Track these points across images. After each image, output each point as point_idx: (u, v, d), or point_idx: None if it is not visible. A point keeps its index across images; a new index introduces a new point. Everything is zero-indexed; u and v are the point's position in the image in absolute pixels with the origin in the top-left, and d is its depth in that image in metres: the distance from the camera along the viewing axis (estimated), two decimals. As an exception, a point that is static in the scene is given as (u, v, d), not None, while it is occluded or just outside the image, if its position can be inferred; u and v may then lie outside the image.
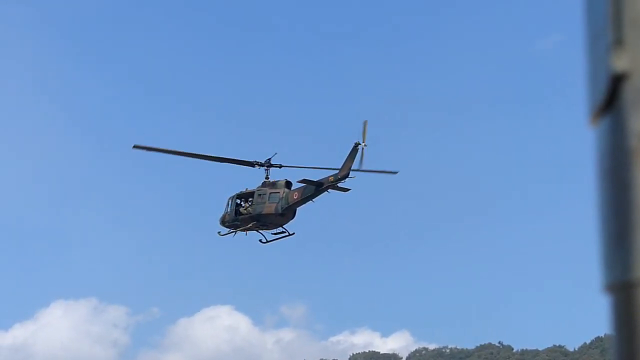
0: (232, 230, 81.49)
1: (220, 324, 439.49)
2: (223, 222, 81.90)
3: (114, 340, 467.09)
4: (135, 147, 77.10)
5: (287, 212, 79.49)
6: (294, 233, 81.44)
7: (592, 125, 2.16)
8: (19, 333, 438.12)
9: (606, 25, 2.01)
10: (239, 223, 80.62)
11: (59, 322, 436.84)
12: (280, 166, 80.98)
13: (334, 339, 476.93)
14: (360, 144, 74.81)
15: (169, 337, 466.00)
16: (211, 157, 79.73)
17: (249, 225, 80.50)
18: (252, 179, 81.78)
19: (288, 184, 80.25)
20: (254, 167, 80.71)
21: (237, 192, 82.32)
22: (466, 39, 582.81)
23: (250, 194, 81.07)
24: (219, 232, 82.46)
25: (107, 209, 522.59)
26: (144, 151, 78.43)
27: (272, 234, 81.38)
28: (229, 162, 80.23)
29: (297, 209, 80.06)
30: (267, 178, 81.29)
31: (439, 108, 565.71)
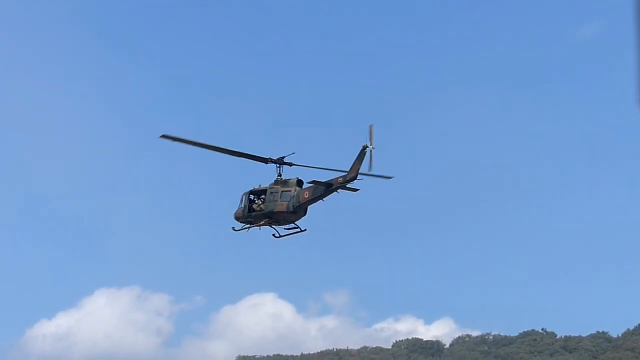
0: (246, 226, 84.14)
1: (264, 311, 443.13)
2: (237, 217, 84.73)
3: (157, 328, 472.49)
4: (162, 136, 78.88)
5: (299, 210, 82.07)
6: (305, 229, 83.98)
7: None
8: (62, 321, 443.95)
9: None
10: (252, 219, 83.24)
11: (103, 311, 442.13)
12: (291, 164, 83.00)
13: (377, 326, 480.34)
14: (368, 146, 76.84)
15: (213, 325, 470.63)
16: (230, 150, 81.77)
17: (261, 222, 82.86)
18: (264, 174, 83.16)
19: (299, 183, 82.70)
20: (267, 163, 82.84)
21: (250, 188, 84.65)
22: (507, 27, 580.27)
23: (263, 191, 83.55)
24: (233, 228, 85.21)
25: (150, 198, 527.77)
26: (171, 141, 79.74)
27: (285, 229, 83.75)
28: (245, 157, 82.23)
29: (309, 207, 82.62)
30: (279, 175, 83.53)
31: (477, 95, 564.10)
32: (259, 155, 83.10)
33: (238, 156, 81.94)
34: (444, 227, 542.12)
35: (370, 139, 77.13)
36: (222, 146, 79.89)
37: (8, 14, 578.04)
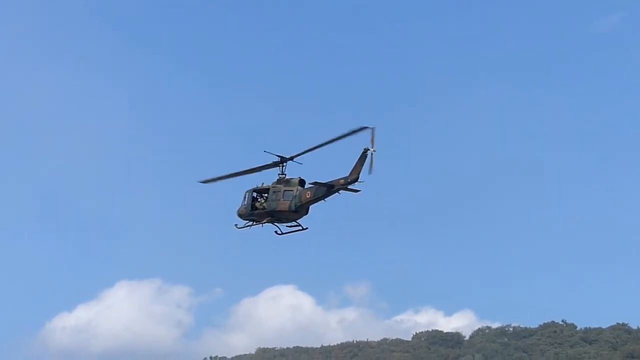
0: (248, 224, 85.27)
1: (283, 303, 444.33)
2: (240, 215, 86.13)
3: (177, 320, 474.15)
4: (202, 182, 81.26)
5: (300, 209, 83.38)
6: (307, 228, 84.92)
7: None
8: (82, 314, 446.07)
9: None
10: (255, 217, 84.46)
11: (123, 303, 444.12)
12: (292, 158, 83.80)
13: (397, 317, 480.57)
14: (369, 149, 77.79)
15: (233, 317, 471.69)
16: (254, 169, 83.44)
17: (264, 220, 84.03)
18: (267, 172, 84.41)
19: (302, 182, 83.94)
20: (277, 166, 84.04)
21: (254, 186, 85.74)
22: (523, 21, 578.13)
23: (266, 190, 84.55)
24: (236, 225, 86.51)
25: (171, 192, 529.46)
26: (211, 183, 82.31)
27: (287, 226, 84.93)
28: (259, 170, 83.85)
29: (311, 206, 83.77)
30: (282, 174, 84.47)
31: (492, 87, 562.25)
32: (269, 162, 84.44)
33: (255, 172, 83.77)
34: (465, 219, 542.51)
35: (372, 142, 78.02)
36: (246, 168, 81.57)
37: (37, 13, 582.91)
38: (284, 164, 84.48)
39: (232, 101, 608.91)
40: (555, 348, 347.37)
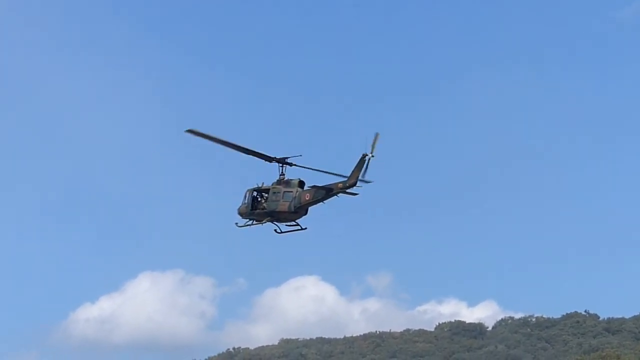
0: (248, 222, 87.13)
1: (306, 294, 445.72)
2: (241, 213, 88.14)
3: (200, 311, 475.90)
4: (187, 131, 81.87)
5: (300, 210, 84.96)
6: (306, 228, 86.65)
7: None
8: (106, 305, 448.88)
9: None
10: (255, 217, 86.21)
11: (146, 294, 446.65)
12: (292, 164, 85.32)
13: (420, 308, 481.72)
14: (367, 155, 79.03)
15: (256, 308, 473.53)
16: (241, 147, 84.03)
17: (264, 220, 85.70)
18: (268, 172, 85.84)
19: (301, 184, 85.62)
20: (271, 162, 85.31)
21: (254, 186, 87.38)
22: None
23: (266, 190, 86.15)
24: (236, 224, 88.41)
25: (193, 182, 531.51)
26: (195, 135, 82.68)
27: (286, 225, 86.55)
28: (252, 154, 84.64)
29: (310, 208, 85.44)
30: (282, 175, 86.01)
31: (512, 73, 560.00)
32: (265, 153, 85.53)
33: (246, 153, 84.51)
34: (488, 209, 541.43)
35: (373, 147, 79.23)
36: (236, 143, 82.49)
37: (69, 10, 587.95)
38: (284, 165, 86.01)
39: (258, 93, 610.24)
40: (578, 338, 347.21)
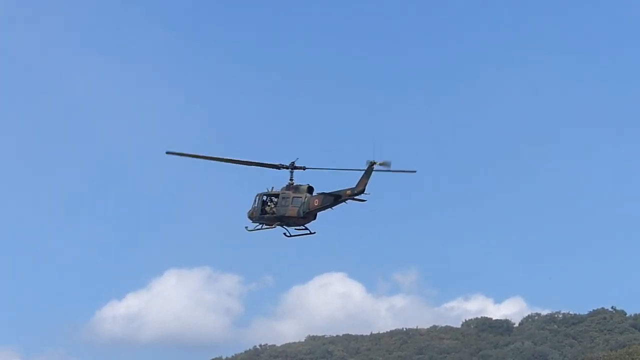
0: (258, 227, 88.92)
1: (333, 291, 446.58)
2: (250, 217, 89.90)
3: (227, 308, 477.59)
4: (168, 153, 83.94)
5: (308, 215, 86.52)
6: (315, 232, 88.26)
7: None
8: (132, 303, 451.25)
9: None
10: (264, 221, 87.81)
11: (173, 291, 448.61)
12: (304, 168, 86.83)
13: (447, 305, 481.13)
14: (375, 162, 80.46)
15: (282, 305, 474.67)
16: (239, 161, 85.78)
17: (274, 224, 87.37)
18: (277, 177, 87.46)
19: (310, 190, 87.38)
20: (279, 169, 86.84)
21: (264, 190, 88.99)
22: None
23: (275, 195, 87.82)
24: (246, 227, 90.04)
25: (221, 179, 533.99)
26: (177, 156, 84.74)
27: (295, 229, 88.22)
28: (256, 165, 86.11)
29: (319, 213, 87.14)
30: (291, 180, 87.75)
31: (546, 61, 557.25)
32: (270, 162, 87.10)
33: (248, 165, 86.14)
34: (515, 206, 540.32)
35: (383, 162, 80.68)
36: (233, 158, 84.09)
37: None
38: (293, 170, 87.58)
39: (288, 90, 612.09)
40: (605, 335, 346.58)
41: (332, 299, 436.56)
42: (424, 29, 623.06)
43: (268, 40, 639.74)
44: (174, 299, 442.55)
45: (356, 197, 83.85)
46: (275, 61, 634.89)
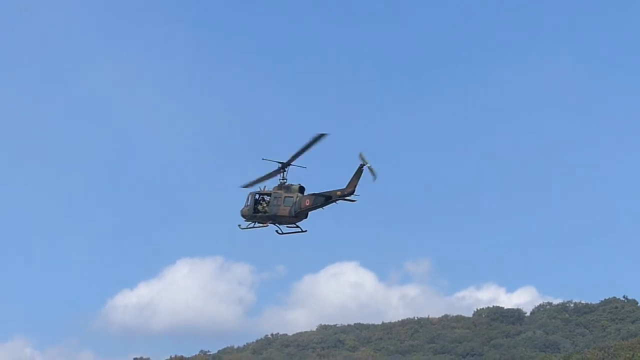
0: (251, 225, 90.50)
1: (345, 280, 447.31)
2: (243, 215, 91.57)
3: (239, 298, 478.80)
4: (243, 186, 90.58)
5: (300, 215, 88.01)
6: (306, 230, 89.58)
7: None
8: (144, 292, 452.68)
9: None
10: (257, 220, 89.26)
11: (185, 281, 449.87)
12: (289, 164, 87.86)
13: (459, 294, 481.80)
14: (365, 164, 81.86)
15: (294, 294, 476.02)
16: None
17: (266, 223, 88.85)
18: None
19: (301, 189, 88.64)
20: (280, 172, 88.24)
21: (257, 190, 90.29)
22: None
23: (268, 194, 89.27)
24: (239, 225, 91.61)
25: (234, 167, 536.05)
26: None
27: (287, 227, 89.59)
28: (267, 179, 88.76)
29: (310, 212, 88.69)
30: (284, 179, 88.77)
31: (561, 54, 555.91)
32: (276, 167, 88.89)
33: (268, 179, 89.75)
34: (527, 195, 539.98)
35: (372, 170, 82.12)
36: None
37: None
38: (285, 169, 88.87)
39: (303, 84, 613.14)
40: (617, 324, 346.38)
41: (344, 288, 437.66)
42: (424, 29, 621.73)
43: (263, 38, 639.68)
44: (186, 288, 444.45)
45: (346, 198, 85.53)
46: (274, 61, 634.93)
